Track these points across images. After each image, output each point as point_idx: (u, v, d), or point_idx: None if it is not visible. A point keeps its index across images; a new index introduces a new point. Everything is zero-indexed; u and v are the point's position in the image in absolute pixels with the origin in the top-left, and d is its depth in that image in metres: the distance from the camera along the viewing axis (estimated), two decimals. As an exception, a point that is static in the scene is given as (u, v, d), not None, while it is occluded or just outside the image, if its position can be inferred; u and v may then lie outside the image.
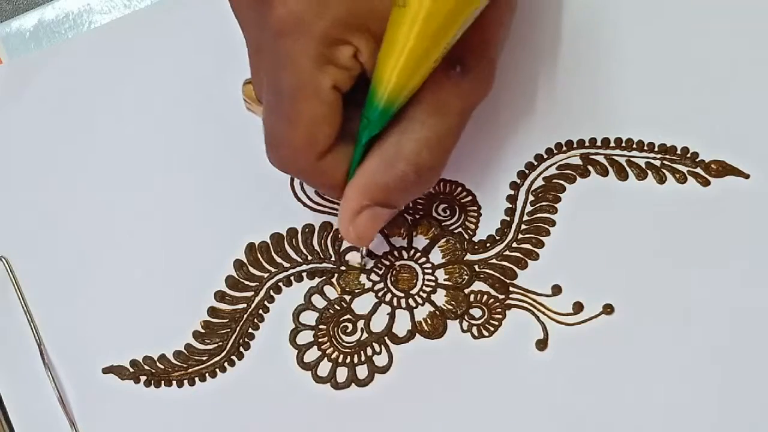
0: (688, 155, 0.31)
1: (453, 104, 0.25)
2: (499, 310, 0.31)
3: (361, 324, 0.32)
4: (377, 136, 0.25)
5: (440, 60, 0.23)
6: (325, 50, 0.23)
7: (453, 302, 0.31)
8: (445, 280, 0.31)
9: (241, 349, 0.32)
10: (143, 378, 0.32)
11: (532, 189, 0.31)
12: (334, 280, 0.32)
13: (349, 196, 0.26)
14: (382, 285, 0.32)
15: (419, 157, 0.25)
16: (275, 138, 0.25)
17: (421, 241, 0.32)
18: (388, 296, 0.32)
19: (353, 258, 0.32)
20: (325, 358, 0.32)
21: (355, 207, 0.26)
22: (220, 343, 0.32)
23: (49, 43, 0.34)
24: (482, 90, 0.25)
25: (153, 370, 0.32)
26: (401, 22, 0.22)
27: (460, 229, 0.32)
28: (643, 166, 0.31)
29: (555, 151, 0.32)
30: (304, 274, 0.32)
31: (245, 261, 0.32)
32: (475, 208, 0.32)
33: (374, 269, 0.32)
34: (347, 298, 0.32)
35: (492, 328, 0.31)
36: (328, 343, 0.32)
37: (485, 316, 0.31)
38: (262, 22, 0.23)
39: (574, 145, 0.32)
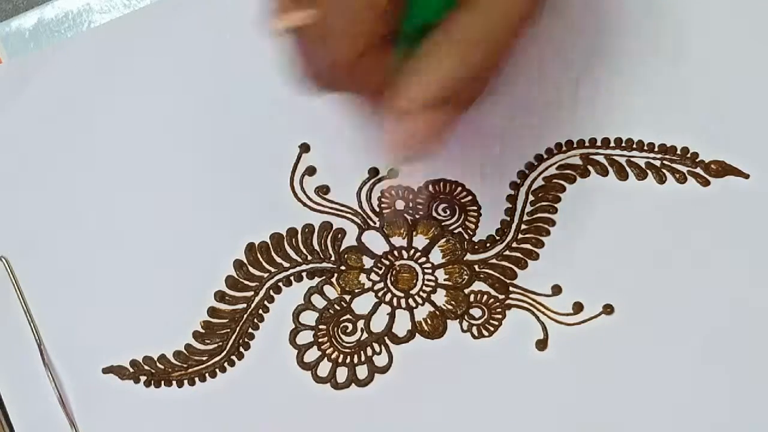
0: (688, 155, 0.31)
1: (501, 7, 0.24)
2: (499, 310, 0.31)
3: (361, 324, 0.32)
4: (424, 41, 0.25)
5: None
6: None
7: (453, 302, 0.31)
8: (445, 280, 0.31)
9: (241, 349, 0.32)
10: (143, 378, 0.32)
11: (532, 189, 0.31)
12: (333, 280, 0.32)
13: (403, 93, 0.25)
14: (382, 285, 0.32)
15: (470, 56, 0.24)
16: (319, 32, 0.25)
17: (421, 241, 0.32)
18: (388, 296, 0.32)
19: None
20: (325, 358, 0.32)
21: (407, 105, 0.25)
22: (220, 343, 0.32)
23: (48, 42, 0.34)
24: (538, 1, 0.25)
25: (153, 370, 0.32)
26: None
27: (460, 229, 0.32)
28: (643, 166, 0.31)
29: (555, 151, 0.32)
30: (304, 274, 0.32)
31: (245, 261, 0.32)
32: (475, 208, 0.32)
33: (374, 269, 0.32)
34: (347, 298, 0.32)
35: (492, 328, 0.31)
36: (328, 343, 0.32)
37: (485, 316, 0.31)
38: None
39: (574, 145, 0.31)
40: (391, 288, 0.32)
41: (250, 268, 0.32)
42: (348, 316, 0.32)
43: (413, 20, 0.25)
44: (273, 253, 0.32)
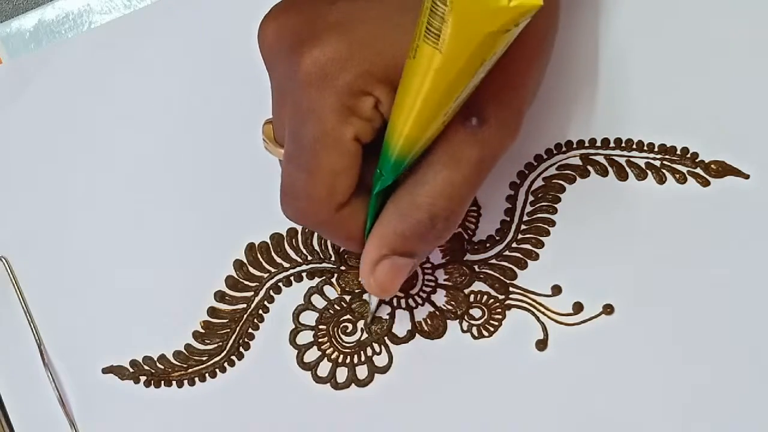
0: (688, 155, 0.31)
1: (469, 155, 0.24)
2: (499, 310, 0.31)
3: (361, 324, 0.32)
4: (394, 187, 0.25)
5: (457, 110, 0.23)
6: (348, 101, 0.23)
7: (453, 302, 0.31)
8: (444, 280, 0.31)
9: (241, 349, 0.32)
10: (143, 378, 0.32)
11: (532, 189, 0.31)
12: (333, 280, 0.32)
13: (368, 247, 0.26)
14: (382, 285, 0.32)
15: (434, 207, 0.24)
16: (293, 188, 0.25)
17: (421, 241, 0.32)
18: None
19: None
20: (325, 358, 0.32)
21: (374, 257, 0.26)
22: (220, 343, 0.32)
23: (49, 43, 0.34)
24: (503, 141, 0.25)
25: (153, 370, 0.32)
26: (413, 73, 0.21)
27: (459, 229, 0.32)
28: (643, 166, 0.31)
29: (555, 152, 0.31)
30: (304, 274, 0.32)
31: (245, 261, 0.32)
32: (475, 208, 0.32)
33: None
34: (347, 298, 0.32)
35: (492, 328, 0.31)
36: (328, 344, 0.32)
37: (485, 317, 0.31)
38: (290, 71, 0.24)
39: (574, 146, 0.31)
40: (391, 288, 0.32)
41: (250, 268, 0.32)
42: (348, 316, 0.32)
43: (376, 183, 0.25)
44: (273, 253, 0.32)
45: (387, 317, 0.31)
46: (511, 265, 0.31)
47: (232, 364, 0.32)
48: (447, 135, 0.24)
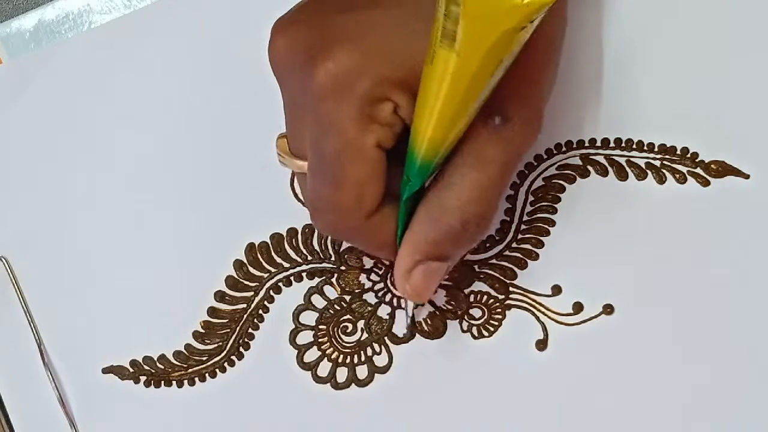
0: (688, 155, 0.31)
1: (494, 156, 0.24)
2: (499, 310, 0.31)
3: (361, 324, 0.32)
4: (423, 192, 0.25)
5: (479, 110, 0.23)
6: (367, 109, 0.23)
7: (453, 302, 0.31)
8: (445, 279, 0.31)
9: (241, 349, 0.32)
10: (143, 378, 0.32)
11: (532, 189, 0.31)
12: (333, 280, 0.32)
13: (401, 254, 0.26)
14: (382, 285, 0.32)
15: (463, 211, 0.25)
16: (321, 203, 0.25)
17: (421, 241, 0.32)
18: (388, 296, 0.32)
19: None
20: (325, 358, 0.32)
21: (408, 264, 0.26)
22: (220, 344, 0.32)
23: (49, 43, 0.34)
24: (527, 138, 0.25)
25: (153, 370, 0.32)
26: (431, 78, 0.21)
27: (460, 229, 0.32)
28: (643, 166, 0.31)
29: (555, 152, 0.31)
30: (304, 274, 0.32)
31: (245, 261, 0.32)
32: (475, 208, 0.32)
33: (374, 269, 0.32)
34: (347, 298, 0.32)
35: (492, 328, 0.31)
36: (328, 343, 0.32)
37: (485, 316, 0.31)
38: (305, 85, 0.24)
39: (574, 146, 0.31)
40: (391, 288, 0.32)
41: (250, 268, 0.32)
42: (348, 316, 0.32)
43: (404, 189, 0.25)
44: (273, 253, 0.32)
45: (387, 317, 0.32)
46: (511, 265, 0.31)
47: (232, 364, 0.32)
48: (471, 136, 0.24)
